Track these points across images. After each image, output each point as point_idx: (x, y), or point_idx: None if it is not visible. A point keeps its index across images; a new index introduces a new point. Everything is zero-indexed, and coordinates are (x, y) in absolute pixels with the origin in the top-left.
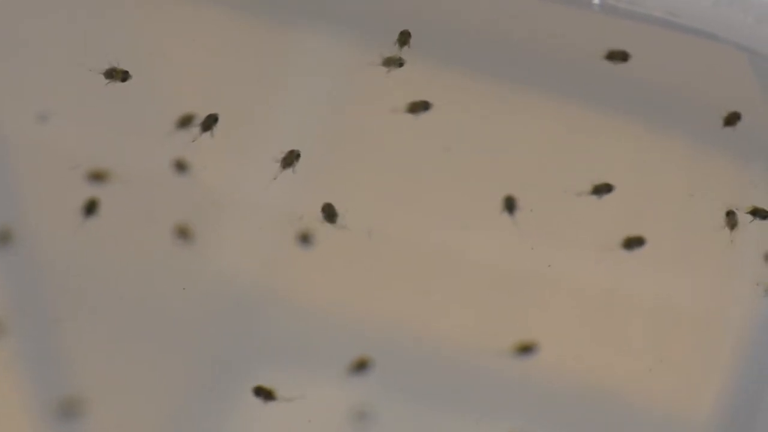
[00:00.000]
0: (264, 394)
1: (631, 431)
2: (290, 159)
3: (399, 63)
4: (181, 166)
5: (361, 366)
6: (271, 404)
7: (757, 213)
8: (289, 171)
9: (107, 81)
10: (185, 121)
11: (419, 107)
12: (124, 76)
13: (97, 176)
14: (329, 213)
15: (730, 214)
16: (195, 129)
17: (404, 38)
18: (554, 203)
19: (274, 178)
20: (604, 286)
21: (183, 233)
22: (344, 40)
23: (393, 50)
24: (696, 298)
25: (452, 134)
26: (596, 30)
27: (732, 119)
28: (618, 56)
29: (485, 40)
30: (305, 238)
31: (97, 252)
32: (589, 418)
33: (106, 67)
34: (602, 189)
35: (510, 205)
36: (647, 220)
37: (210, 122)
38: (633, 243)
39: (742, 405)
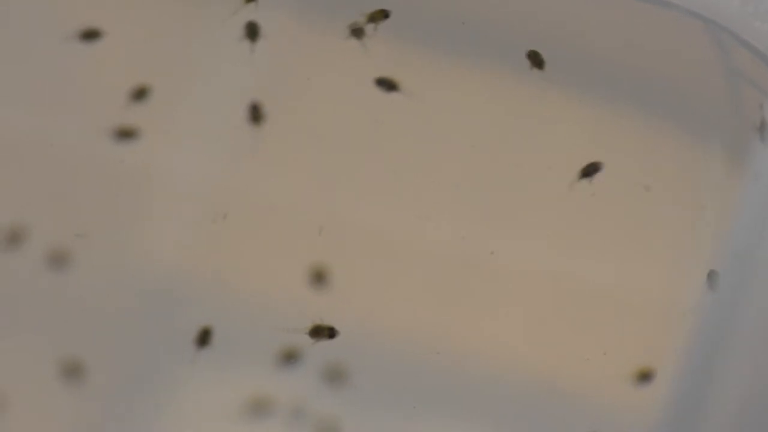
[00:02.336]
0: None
1: (574, 422)
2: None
3: (385, 15)
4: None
5: (289, 357)
6: (189, 386)
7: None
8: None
9: (314, 340)
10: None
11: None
12: (331, 332)
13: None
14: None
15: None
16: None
17: (378, 17)
18: (501, 188)
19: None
20: (550, 274)
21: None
22: (284, 11)
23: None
24: (643, 286)
25: (390, 111)
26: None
27: None
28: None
29: (432, 16)
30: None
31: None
32: (527, 409)
33: (310, 325)
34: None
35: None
36: (598, 205)
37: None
38: (590, 170)
39: (685, 398)
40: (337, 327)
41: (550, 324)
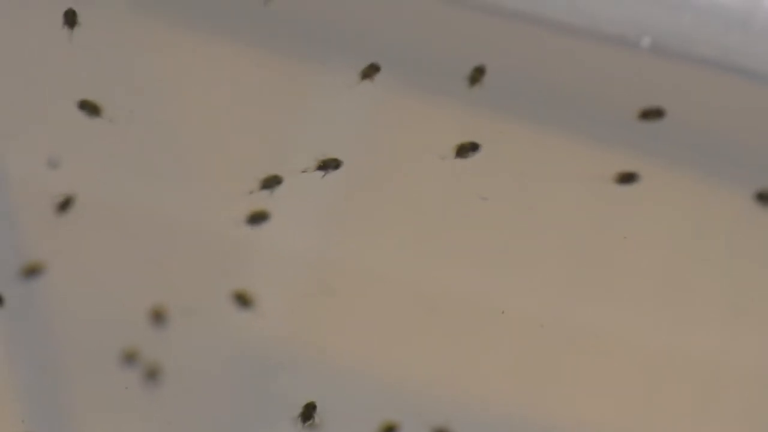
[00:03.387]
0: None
1: None
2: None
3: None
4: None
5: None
6: None
7: None
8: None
9: None
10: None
11: (466, 149)
12: None
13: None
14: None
15: None
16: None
17: (478, 75)
18: (609, 265)
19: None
20: (649, 346)
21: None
22: (390, 86)
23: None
24: (750, 362)
25: (490, 182)
26: (644, 74)
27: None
28: (653, 114)
29: (527, 83)
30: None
31: (110, 300)
32: None
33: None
34: None
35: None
36: (698, 275)
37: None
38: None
39: None
40: (433, 397)
41: (668, 407)
